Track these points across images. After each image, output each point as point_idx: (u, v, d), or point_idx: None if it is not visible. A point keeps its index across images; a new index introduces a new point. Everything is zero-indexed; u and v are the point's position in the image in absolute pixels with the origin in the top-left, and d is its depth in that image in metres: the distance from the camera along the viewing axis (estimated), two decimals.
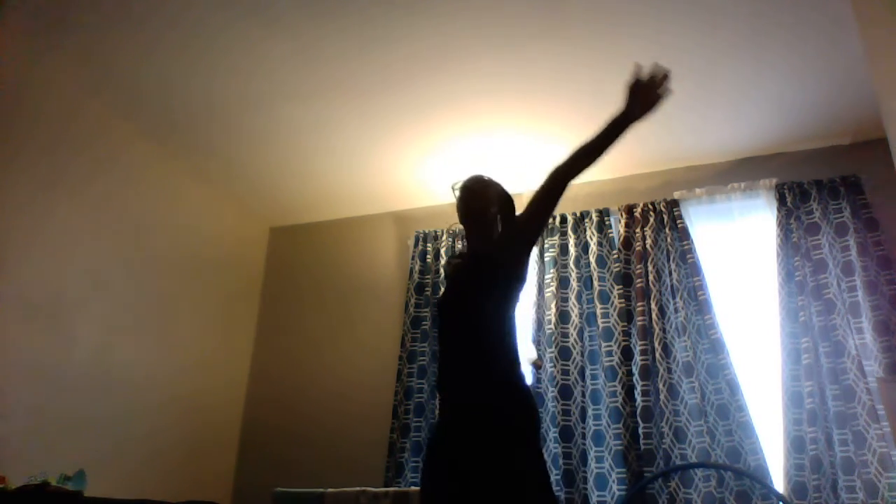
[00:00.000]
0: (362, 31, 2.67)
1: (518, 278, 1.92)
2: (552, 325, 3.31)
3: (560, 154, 3.47)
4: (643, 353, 3.10)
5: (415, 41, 2.72)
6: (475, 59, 2.80)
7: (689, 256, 3.21)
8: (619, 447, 2.98)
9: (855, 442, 2.65)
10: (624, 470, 2.93)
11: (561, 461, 3.06)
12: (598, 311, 3.27)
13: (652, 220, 3.36)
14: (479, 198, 2.06)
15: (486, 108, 3.12)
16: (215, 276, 3.85)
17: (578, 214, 3.54)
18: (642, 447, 2.96)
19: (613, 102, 3.05)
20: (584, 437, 3.11)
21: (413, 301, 3.67)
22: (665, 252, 3.30)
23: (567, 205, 3.66)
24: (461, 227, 2.13)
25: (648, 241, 3.32)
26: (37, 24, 2.66)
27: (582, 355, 3.25)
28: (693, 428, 2.93)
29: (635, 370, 3.11)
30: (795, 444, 2.79)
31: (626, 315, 3.23)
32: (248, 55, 2.82)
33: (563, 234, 3.51)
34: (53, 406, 2.76)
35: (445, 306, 1.95)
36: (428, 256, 3.78)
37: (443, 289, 2.09)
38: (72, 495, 2.20)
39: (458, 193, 2.09)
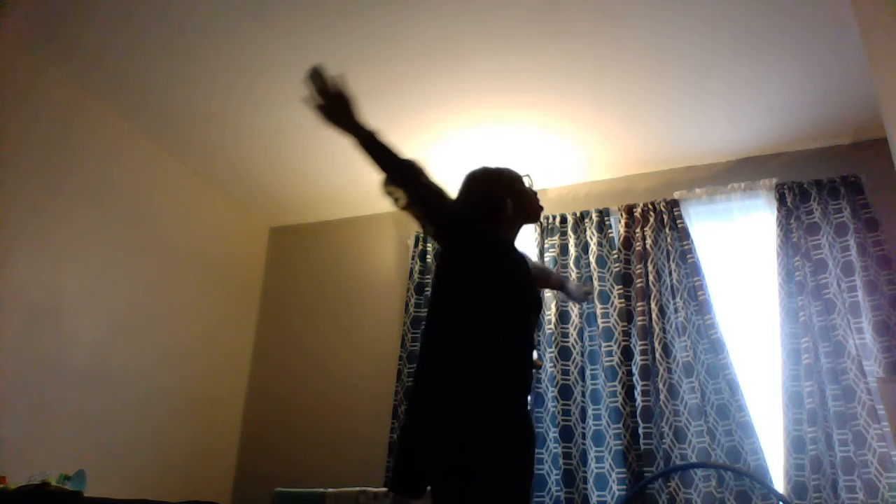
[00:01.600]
0: (362, 32, 2.67)
1: None
2: (552, 325, 3.31)
3: (563, 152, 3.50)
4: (643, 353, 3.10)
5: (414, 41, 2.72)
6: (474, 58, 2.80)
7: (689, 256, 3.21)
8: (619, 447, 2.98)
9: (855, 442, 2.65)
10: (624, 470, 2.93)
11: (561, 461, 3.06)
12: (598, 311, 3.27)
13: (652, 220, 3.36)
14: None
15: (486, 107, 3.13)
16: (215, 276, 3.85)
17: (578, 214, 3.54)
18: (642, 447, 2.96)
19: (613, 101, 3.08)
20: (584, 437, 3.11)
21: (413, 301, 3.67)
22: (665, 252, 3.30)
23: (567, 205, 3.67)
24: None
25: (648, 241, 3.32)
26: (39, 29, 2.66)
27: (582, 355, 3.25)
28: (693, 428, 2.93)
29: (635, 370, 3.11)
30: (795, 444, 2.79)
31: (626, 315, 3.23)
32: (249, 56, 2.82)
33: (563, 234, 3.51)
34: (53, 406, 2.76)
35: (536, 307, 1.83)
36: (428, 256, 3.78)
37: (512, 276, 1.78)
38: (72, 495, 2.20)
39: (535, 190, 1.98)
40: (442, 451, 1.54)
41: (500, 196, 1.85)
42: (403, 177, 1.70)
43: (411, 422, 1.61)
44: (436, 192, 1.70)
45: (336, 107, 1.70)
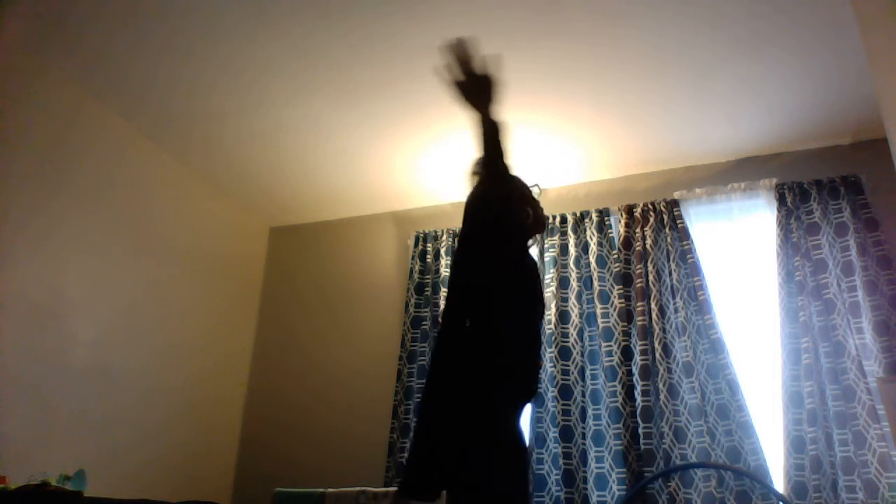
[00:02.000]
0: (362, 32, 2.67)
1: None
2: (552, 325, 3.31)
3: (563, 152, 3.50)
4: (643, 353, 3.10)
5: (414, 41, 2.72)
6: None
7: (689, 256, 3.21)
8: (619, 447, 2.98)
9: (855, 442, 2.65)
10: (624, 470, 2.93)
11: (561, 461, 3.06)
12: (598, 311, 3.27)
13: (652, 220, 3.36)
14: None
15: None
16: (215, 276, 3.85)
17: (578, 214, 3.54)
18: (642, 447, 2.96)
19: (613, 101, 3.08)
20: (584, 437, 3.11)
21: (413, 301, 3.67)
22: (665, 252, 3.30)
23: (567, 205, 3.67)
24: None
25: (648, 241, 3.32)
26: (39, 28, 2.66)
27: (582, 355, 3.26)
28: (693, 428, 2.93)
29: (635, 370, 3.11)
30: (795, 444, 2.79)
31: (626, 315, 3.23)
32: (249, 56, 2.82)
33: (563, 234, 3.52)
34: (53, 406, 2.76)
35: (541, 311, 1.87)
36: (428, 256, 3.78)
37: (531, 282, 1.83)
38: (72, 495, 2.20)
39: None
40: (446, 455, 1.54)
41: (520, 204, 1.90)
42: (494, 171, 1.71)
43: (417, 425, 1.61)
44: (507, 194, 1.75)
45: (478, 89, 1.68)
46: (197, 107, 3.18)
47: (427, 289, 3.71)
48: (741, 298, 3.19)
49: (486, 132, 1.69)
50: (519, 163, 3.49)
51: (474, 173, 1.82)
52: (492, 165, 1.69)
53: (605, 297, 3.29)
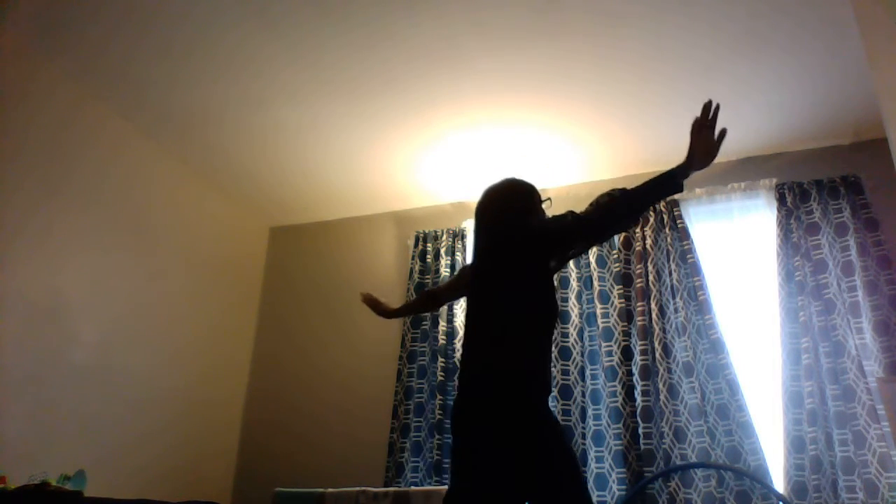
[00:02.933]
0: (362, 32, 2.67)
1: None
2: None
3: (563, 152, 3.49)
4: (643, 353, 3.10)
5: (414, 41, 2.72)
6: (474, 58, 2.81)
7: (689, 256, 3.21)
8: (619, 447, 2.98)
9: (855, 442, 2.65)
10: (624, 470, 2.93)
11: None
12: (598, 311, 3.27)
13: (652, 220, 3.36)
14: None
15: (486, 107, 3.12)
16: (215, 276, 3.85)
17: None
18: (642, 447, 2.96)
19: (613, 101, 3.08)
20: (584, 437, 3.11)
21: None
22: (665, 252, 3.30)
23: (567, 205, 3.65)
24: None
25: (648, 241, 3.32)
26: (39, 27, 2.66)
27: (582, 355, 3.26)
28: (693, 428, 2.93)
29: (635, 370, 3.11)
30: (795, 444, 2.79)
31: (626, 315, 3.23)
32: (248, 56, 2.82)
33: None
34: (53, 406, 2.76)
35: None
36: (428, 256, 3.77)
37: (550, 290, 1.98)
38: (72, 495, 2.20)
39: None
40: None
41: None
42: (618, 210, 1.90)
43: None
44: (598, 227, 1.97)
45: (701, 152, 1.78)
46: (196, 106, 3.18)
47: (427, 289, 3.71)
48: (741, 298, 3.19)
49: (664, 185, 1.78)
50: (519, 163, 3.50)
51: (608, 196, 1.96)
52: (625, 206, 1.85)
53: (604, 297, 3.29)
